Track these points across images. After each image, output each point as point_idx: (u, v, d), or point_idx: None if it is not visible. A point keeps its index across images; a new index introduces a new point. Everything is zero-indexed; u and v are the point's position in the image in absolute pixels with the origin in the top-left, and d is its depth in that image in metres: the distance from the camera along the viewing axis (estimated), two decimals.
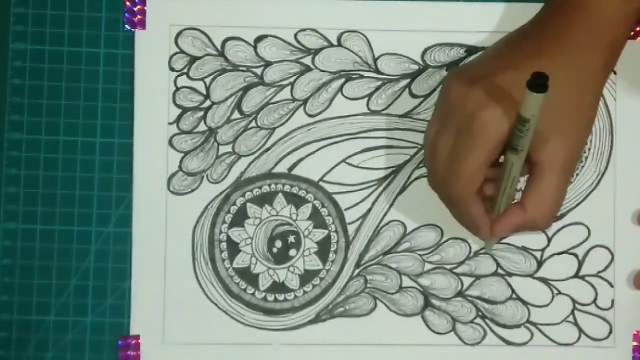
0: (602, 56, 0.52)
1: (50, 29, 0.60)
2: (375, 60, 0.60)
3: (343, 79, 0.60)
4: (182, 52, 0.60)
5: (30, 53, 0.60)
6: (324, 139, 0.60)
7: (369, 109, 0.60)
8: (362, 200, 0.60)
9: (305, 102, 0.60)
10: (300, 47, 0.60)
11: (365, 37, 0.60)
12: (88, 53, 0.60)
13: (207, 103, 0.60)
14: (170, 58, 0.60)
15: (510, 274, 0.60)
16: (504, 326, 0.60)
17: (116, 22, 0.60)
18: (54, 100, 0.60)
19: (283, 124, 0.60)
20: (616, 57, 0.54)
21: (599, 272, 0.60)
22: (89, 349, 0.60)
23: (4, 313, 0.60)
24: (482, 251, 0.60)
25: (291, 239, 0.60)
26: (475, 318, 0.60)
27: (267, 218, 0.60)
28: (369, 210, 0.60)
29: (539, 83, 0.45)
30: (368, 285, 0.60)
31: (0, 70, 0.60)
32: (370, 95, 0.60)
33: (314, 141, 0.60)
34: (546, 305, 0.60)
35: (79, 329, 0.60)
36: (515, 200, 0.54)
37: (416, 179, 0.60)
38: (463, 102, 0.51)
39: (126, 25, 0.60)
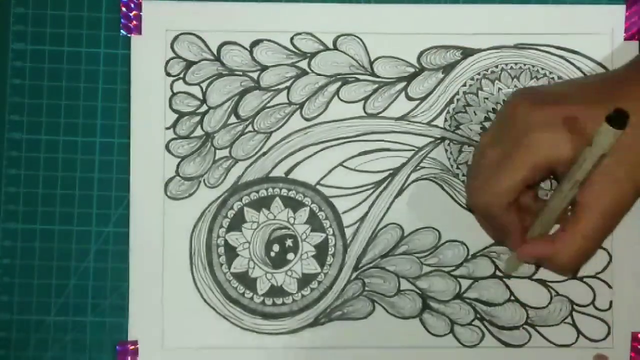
0: None
1: (50, 29, 0.60)
2: (371, 63, 0.60)
3: (339, 83, 0.60)
4: (178, 57, 0.60)
5: (30, 53, 0.60)
6: (320, 143, 0.60)
7: (365, 112, 0.60)
8: (360, 203, 0.60)
9: (301, 105, 0.60)
10: (296, 51, 0.60)
11: (361, 40, 0.60)
12: (88, 53, 0.60)
13: (204, 108, 0.60)
14: (167, 63, 0.60)
15: (509, 276, 0.60)
16: (503, 328, 0.60)
17: (116, 23, 0.60)
18: (54, 100, 0.60)
19: (280, 128, 0.60)
20: None
21: (597, 273, 0.60)
22: (88, 348, 0.60)
23: (3, 313, 0.60)
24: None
25: (289, 242, 0.60)
26: (473, 320, 0.60)
27: (264, 222, 0.60)
28: (367, 213, 0.60)
29: (618, 119, 0.45)
30: (366, 288, 0.60)
31: (1, 70, 0.60)
32: (366, 99, 0.60)
33: (310, 145, 0.60)
34: (544, 307, 0.60)
35: (79, 329, 0.60)
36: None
37: (413, 181, 0.60)
38: (525, 118, 0.51)
39: (122, 31, 0.60)
